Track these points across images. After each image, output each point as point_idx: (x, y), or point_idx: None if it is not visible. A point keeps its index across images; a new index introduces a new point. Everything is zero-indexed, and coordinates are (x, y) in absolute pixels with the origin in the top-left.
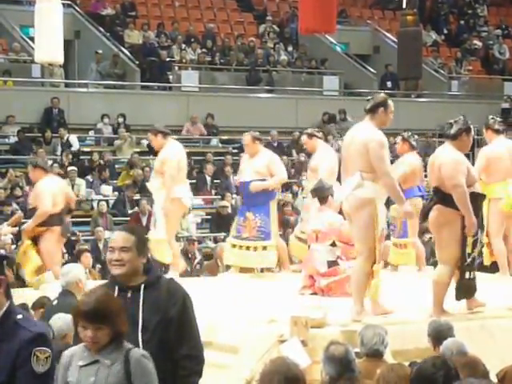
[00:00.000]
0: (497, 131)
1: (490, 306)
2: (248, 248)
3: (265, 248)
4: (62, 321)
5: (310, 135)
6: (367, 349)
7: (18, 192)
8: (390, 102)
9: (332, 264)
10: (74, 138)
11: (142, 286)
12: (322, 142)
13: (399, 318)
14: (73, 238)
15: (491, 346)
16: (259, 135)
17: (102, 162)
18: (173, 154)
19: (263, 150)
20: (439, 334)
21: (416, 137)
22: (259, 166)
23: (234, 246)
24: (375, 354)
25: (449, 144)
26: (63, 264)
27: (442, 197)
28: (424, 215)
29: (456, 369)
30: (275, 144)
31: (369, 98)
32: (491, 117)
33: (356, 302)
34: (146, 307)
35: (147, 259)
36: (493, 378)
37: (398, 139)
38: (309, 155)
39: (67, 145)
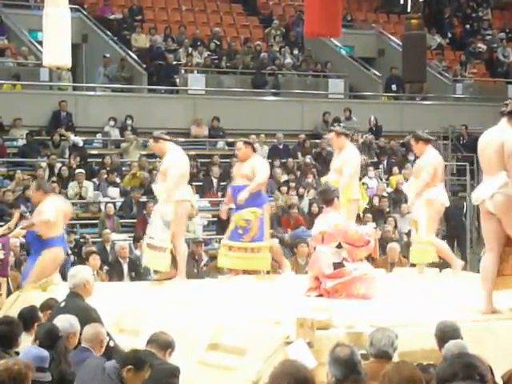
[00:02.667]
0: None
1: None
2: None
3: None
4: (66, 321)
5: (156, 138)
6: (376, 350)
7: (29, 193)
8: None
9: (338, 266)
10: (78, 140)
11: None
12: (171, 144)
13: (405, 320)
14: (81, 240)
15: (497, 347)
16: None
17: (110, 163)
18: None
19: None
20: (445, 335)
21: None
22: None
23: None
24: (383, 356)
25: None
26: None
27: None
28: None
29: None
30: (281, 146)
31: (506, 102)
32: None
33: (485, 297)
34: None
35: None
36: (498, 379)
37: (240, 144)
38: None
39: (74, 146)
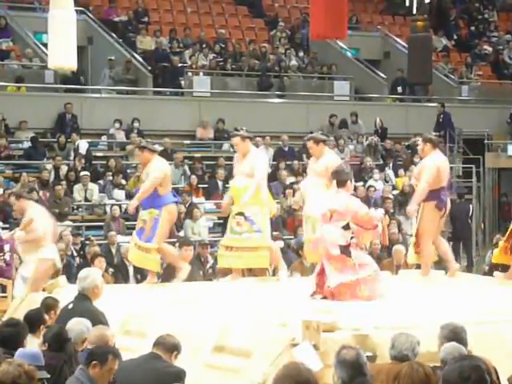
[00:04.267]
0: None
1: (501, 309)
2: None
3: None
4: (82, 325)
5: (17, 196)
6: (396, 352)
7: (34, 196)
8: None
9: (343, 249)
10: (83, 143)
11: None
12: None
13: (410, 322)
14: (86, 242)
15: (502, 349)
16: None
17: (115, 166)
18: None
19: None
20: (452, 337)
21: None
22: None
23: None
24: (403, 359)
25: None
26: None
27: None
28: None
29: (488, 369)
30: (286, 148)
31: None
32: None
33: None
34: None
35: None
36: (504, 381)
37: (136, 147)
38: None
39: (78, 150)
